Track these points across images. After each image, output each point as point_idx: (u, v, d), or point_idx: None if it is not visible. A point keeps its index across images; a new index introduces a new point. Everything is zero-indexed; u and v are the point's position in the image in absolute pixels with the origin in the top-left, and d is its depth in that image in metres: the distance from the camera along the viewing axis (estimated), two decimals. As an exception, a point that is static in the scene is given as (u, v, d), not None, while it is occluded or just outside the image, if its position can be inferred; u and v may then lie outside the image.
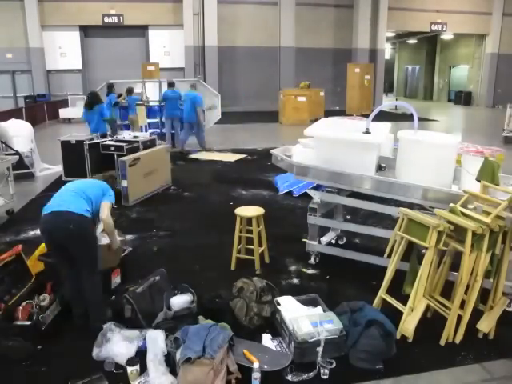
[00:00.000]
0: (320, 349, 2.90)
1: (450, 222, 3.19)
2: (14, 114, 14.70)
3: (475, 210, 3.29)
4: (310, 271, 4.36)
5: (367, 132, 4.14)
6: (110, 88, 10.56)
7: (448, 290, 3.50)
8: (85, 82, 20.37)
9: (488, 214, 3.19)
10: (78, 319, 3.39)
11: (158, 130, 11.29)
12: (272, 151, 4.82)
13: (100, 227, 3.51)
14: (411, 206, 3.92)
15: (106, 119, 8.65)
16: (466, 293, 3.24)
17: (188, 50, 20.35)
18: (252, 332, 3.30)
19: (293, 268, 4.44)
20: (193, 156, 10.22)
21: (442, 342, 3.19)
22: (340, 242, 4.98)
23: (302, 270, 4.38)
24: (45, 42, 19.60)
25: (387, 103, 4.64)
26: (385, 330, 2.99)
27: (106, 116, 8.58)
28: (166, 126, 11.02)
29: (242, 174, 8.40)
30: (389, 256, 3.60)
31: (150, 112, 11.75)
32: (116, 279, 3.98)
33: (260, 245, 4.47)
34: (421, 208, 4.26)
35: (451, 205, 3.33)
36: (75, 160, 7.33)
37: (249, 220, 4.45)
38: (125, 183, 6.42)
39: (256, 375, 2.68)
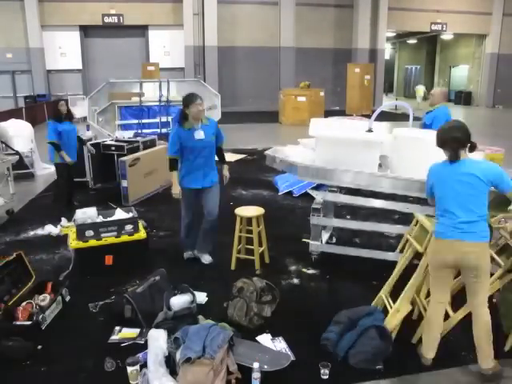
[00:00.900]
0: None
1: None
2: (14, 113, 14.70)
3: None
4: (310, 271, 4.36)
5: (370, 131, 4.18)
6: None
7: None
8: (85, 82, 20.38)
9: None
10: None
11: (157, 131, 11.29)
12: (266, 152, 4.82)
13: None
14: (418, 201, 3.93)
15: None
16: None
17: (188, 50, 20.35)
18: (252, 332, 3.30)
19: (293, 268, 4.44)
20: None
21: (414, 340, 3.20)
22: (330, 241, 4.94)
23: (302, 270, 4.38)
24: (45, 42, 19.59)
25: (388, 103, 4.67)
26: (382, 332, 2.99)
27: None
28: None
29: (241, 174, 8.39)
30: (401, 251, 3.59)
31: (150, 112, 11.76)
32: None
33: (260, 245, 4.47)
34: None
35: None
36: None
37: (249, 220, 4.45)
38: (125, 183, 6.42)
39: (256, 375, 2.68)
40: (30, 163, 8.18)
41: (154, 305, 3.44)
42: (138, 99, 11.35)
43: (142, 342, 3.13)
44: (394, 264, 4.18)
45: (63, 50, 20.07)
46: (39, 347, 3.12)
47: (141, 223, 4.53)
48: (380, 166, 4.35)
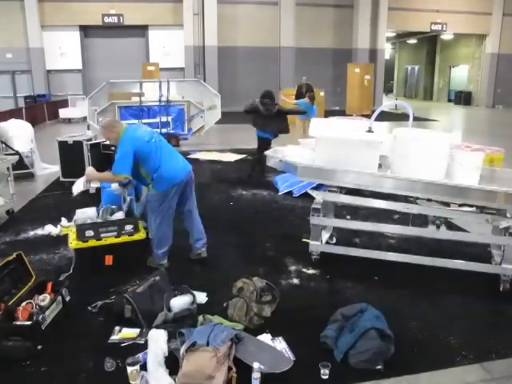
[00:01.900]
0: None
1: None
2: (14, 113, 14.70)
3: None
4: (310, 271, 4.36)
5: (370, 131, 4.18)
6: None
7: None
8: (85, 82, 20.39)
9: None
10: None
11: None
12: (266, 152, 4.82)
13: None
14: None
15: None
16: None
17: (188, 50, 20.36)
18: (252, 332, 3.29)
19: (293, 268, 4.44)
20: (193, 156, 10.22)
21: None
22: (330, 241, 4.94)
23: (302, 270, 4.38)
24: (45, 42, 19.60)
25: (388, 103, 4.67)
26: (383, 333, 3.00)
27: None
28: None
29: (242, 174, 8.39)
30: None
31: (150, 112, 11.76)
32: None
33: None
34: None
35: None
36: (74, 160, 7.32)
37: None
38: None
39: (256, 375, 2.68)
40: (30, 163, 8.17)
41: (154, 305, 3.44)
42: (138, 99, 11.35)
43: (142, 342, 3.12)
44: (394, 264, 4.21)
45: (63, 50, 20.08)
46: (39, 347, 3.12)
47: (141, 223, 4.53)
48: (380, 166, 4.35)
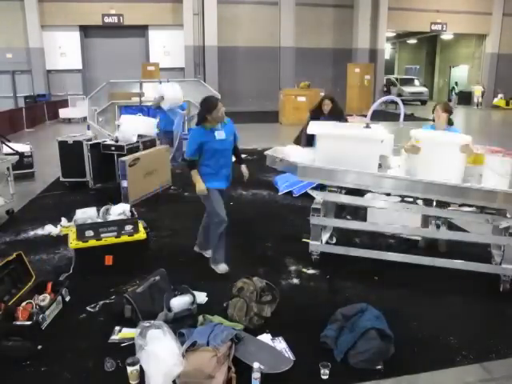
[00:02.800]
0: None
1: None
2: (14, 113, 14.73)
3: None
4: (310, 271, 4.35)
5: (367, 127, 4.18)
6: None
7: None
8: (85, 81, 20.39)
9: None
10: None
11: (157, 131, 11.27)
12: (266, 152, 4.82)
13: None
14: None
15: None
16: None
17: (188, 50, 20.36)
18: (252, 332, 3.29)
19: (293, 268, 4.44)
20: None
21: None
22: (330, 241, 4.93)
23: (302, 270, 4.37)
24: (45, 42, 19.61)
25: (383, 98, 4.68)
26: (383, 333, 3.00)
27: None
28: None
29: (242, 174, 8.39)
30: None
31: (150, 112, 11.74)
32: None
33: None
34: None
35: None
36: (74, 160, 7.32)
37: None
38: (125, 183, 6.41)
39: (256, 375, 2.68)
40: (30, 163, 8.18)
41: (154, 305, 3.44)
42: (138, 99, 11.32)
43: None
44: (393, 264, 4.21)
45: (63, 50, 20.09)
46: (39, 347, 3.12)
47: (141, 223, 4.53)
48: (380, 166, 4.34)
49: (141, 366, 2.79)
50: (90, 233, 4.24)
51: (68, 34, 19.86)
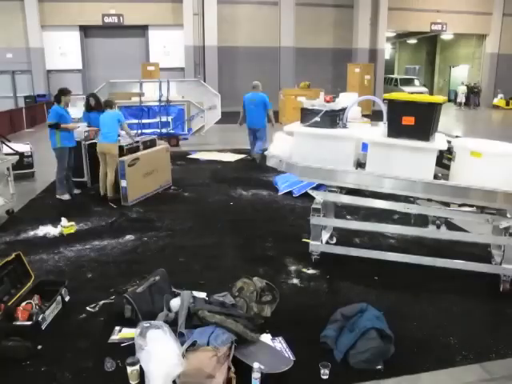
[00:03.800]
0: None
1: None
2: (14, 113, 14.73)
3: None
4: (310, 271, 4.35)
5: (344, 126, 4.21)
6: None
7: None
8: (85, 81, 20.36)
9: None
10: None
11: (157, 131, 11.29)
12: (266, 153, 4.82)
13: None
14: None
15: None
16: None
17: (188, 50, 20.34)
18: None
19: (293, 268, 4.44)
20: (193, 156, 10.23)
21: None
22: (330, 241, 4.93)
23: (302, 270, 4.38)
24: (45, 42, 19.59)
25: (360, 97, 4.67)
26: (383, 333, 3.00)
27: None
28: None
29: (241, 174, 8.40)
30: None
31: (150, 112, 11.76)
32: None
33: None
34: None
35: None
36: (74, 160, 7.29)
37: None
38: (124, 183, 6.41)
39: (256, 375, 2.68)
40: (30, 163, 8.18)
41: (154, 305, 3.44)
42: (138, 99, 11.34)
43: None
44: (394, 264, 4.21)
45: (63, 50, 20.06)
46: (39, 347, 3.12)
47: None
48: (362, 165, 4.30)
49: (141, 366, 2.79)
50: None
51: (68, 34, 19.83)
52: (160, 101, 11.42)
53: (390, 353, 3.00)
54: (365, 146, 4.26)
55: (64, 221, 5.47)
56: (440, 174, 4.08)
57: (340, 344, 3.05)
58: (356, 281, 4.13)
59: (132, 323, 3.30)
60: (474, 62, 26.07)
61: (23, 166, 7.98)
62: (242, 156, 9.92)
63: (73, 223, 5.50)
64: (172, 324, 3.18)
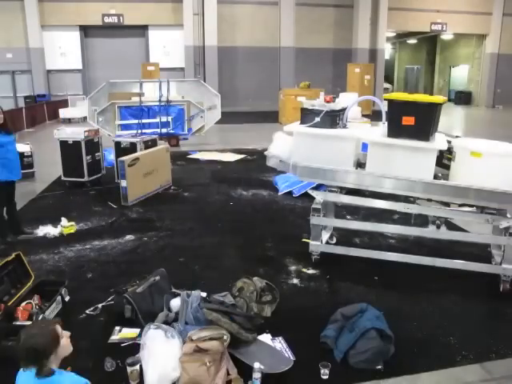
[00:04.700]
0: None
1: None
2: (14, 113, 14.72)
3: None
4: (310, 271, 4.35)
5: (344, 126, 4.21)
6: None
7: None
8: (85, 81, 20.38)
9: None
10: None
11: (157, 131, 11.29)
12: (266, 153, 4.82)
13: None
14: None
15: None
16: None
17: (188, 50, 20.35)
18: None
19: (293, 268, 4.44)
20: (193, 156, 10.23)
21: None
22: (330, 241, 4.92)
23: (302, 270, 4.37)
24: (45, 42, 19.60)
25: (360, 98, 4.69)
26: (383, 333, 3.00)
27: None
28: None
29: (241, 174, 8.40)
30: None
31: (150, 112, 11.76)
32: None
33: None
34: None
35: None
36: (74, 160, 7.31)
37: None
38: (124, 183, 6.41)
39: (256, 375, 2.68)
40: (30, 163, 8.18)
41: (154, 305, 3.44)
42: (138, 99, 11.34)
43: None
44: (394, 264, 4.21)
45: (63, 50, 20.07)
46: (39, 347, 3.11)
47: None
48: (361, 165, 4.31)
49: (141, 366, 2.79)
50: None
51: (68, 34, 19.84)
52: (160, 101, 11.41)
53: (390, 353, 3.00)
54: (365, 146, 4.26)
55: (64, 221, 5.47)
56: (440, 174, 4.07)
57: (340, 344, 3.05)
58: (356, 281, 4.13)
59: (132, 323, 3.30)
60: (473, 62, 26.07)
61: (23, 166, 7.94)
62: (242, 156, 9.92)
63: (73, 223, 5.51)
64: (172, 324, 3.18)
